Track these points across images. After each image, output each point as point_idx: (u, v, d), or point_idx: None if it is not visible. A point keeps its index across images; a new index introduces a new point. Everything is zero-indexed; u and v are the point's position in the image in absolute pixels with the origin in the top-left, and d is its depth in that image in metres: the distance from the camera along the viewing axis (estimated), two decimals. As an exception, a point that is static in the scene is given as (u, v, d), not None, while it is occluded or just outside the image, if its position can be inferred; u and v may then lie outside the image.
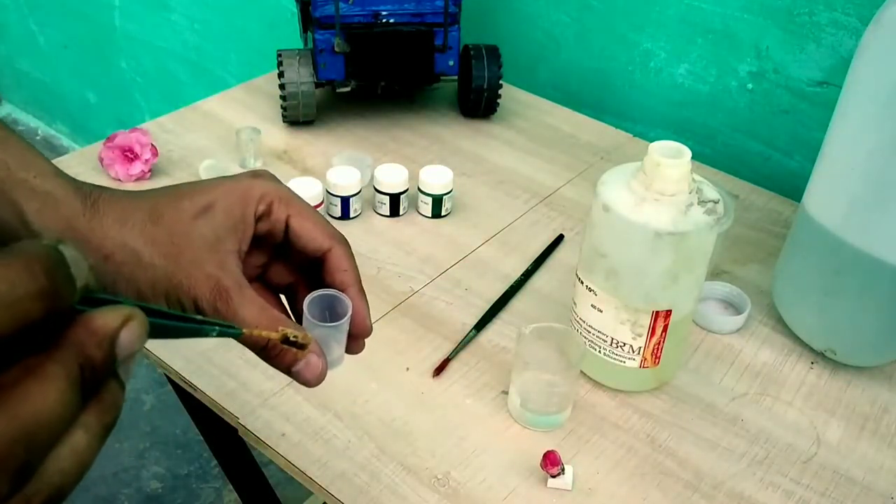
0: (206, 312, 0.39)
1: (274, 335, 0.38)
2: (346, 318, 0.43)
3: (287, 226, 0.44)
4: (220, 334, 0.33)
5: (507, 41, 1.10)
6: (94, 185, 0.42)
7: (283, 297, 0.49)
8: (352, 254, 0.45)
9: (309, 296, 0.43)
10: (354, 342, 0.45)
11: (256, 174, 0.45)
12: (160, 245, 0.40)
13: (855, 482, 0.62)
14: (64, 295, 0.24)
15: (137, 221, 0.41)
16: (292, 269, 0.47)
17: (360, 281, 0.45)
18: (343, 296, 0.44)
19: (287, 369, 0.40)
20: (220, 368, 0.67)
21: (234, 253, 0.41)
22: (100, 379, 0.25)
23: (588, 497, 0.60)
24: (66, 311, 0.24)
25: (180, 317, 0.32)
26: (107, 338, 0.25)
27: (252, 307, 0.40)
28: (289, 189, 0.45)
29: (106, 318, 0.25)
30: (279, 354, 0.40)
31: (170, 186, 0.43)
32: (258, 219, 0.43)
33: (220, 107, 1.06)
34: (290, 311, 0.48)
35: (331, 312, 0.44)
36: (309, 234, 0.44)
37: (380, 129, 1.03)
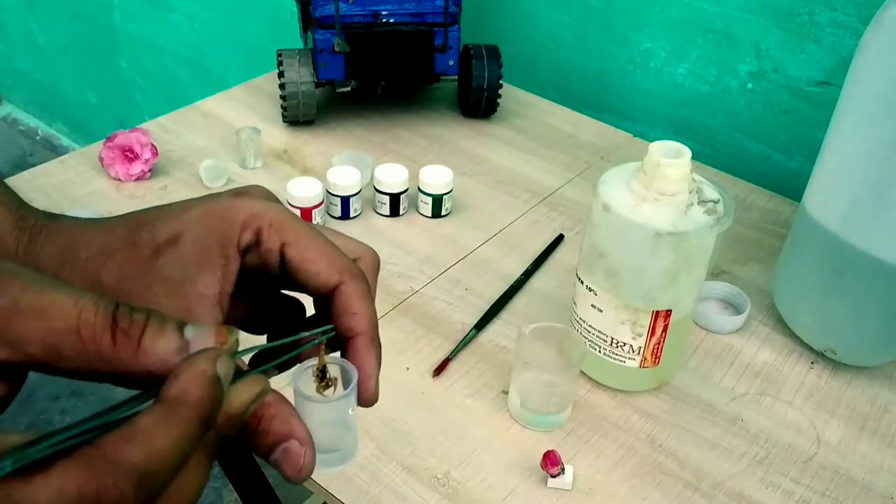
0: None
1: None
2: (347, 391, 0.33)
3: (283, 257, 0.33)
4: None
5: (507, 41, 1.10)
6: (44, 214, 0.35)
7: None
8: (368, 291, 0.34)
9: (299, 365, 0.34)
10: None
11: (241, 192, 0.35)
12: (105, 290, 0.32)
13: (855, 482, 0.62)
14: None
15: (80, 261, 0.32)
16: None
17: (374, 327, 0.34)
18: (345, 363, 0.33)
19: (266, 455, 0.30)
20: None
21: (208, 298, 0.32)
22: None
23: (588, 497, 0.60)
24: None
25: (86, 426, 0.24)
26: (238, 416, 0.27)
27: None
28: (283, 209, 0.34)
29: (242, 398, 0.27)
30: (254, 433, 0.30)
31: (134, 212, 0.34)
32: (245, 250, 0.33)
33: (220, 107, 1.06)
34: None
35: (342, 379, 0.34)
36: (310, 268, 0.33)
37: (380, 129, 1.03)
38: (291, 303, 0.38)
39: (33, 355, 0.26)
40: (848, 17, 0.86)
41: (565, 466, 0.60)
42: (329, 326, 0.33)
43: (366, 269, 0.36)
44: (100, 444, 0.24)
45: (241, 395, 0.27)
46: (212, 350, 0.27)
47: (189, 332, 0.27)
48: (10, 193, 0.35)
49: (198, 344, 0.27)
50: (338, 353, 0.34)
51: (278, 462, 0.30)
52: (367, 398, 0.34)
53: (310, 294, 0.35)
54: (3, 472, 0.22)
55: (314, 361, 0.33)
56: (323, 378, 0.33)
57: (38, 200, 0.86)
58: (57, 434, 0.23)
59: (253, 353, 0.32)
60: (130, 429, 0.24)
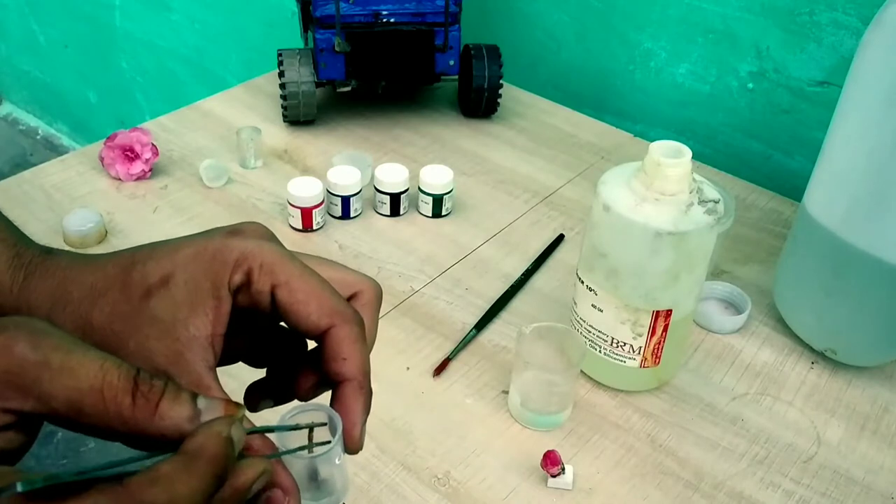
0: None
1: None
2: (333, 442, 0.33)
3: (274, 298, 0.33)
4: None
5: (508, 41, 1.10)
6: (41, 249, 0.35)
7: None
8: (360, 334, 0.34)
9: (283, 416, 0.34)
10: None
11: (235, 230, 0.35)
12: (96, 332, 0.32)
13: (855, 482, 0.62)
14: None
15: (72, 301, 0.32)
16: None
17: (364, 374, 0.34)
18: (331, 412, 0.33)
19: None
20: (220, 368, 0.67)
21: (200, 340, 0.32)
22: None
23: (588, 497, 0.60)
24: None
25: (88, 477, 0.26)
26: (243, 491, 0.29)
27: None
28: (276, 249, 0.34)
29: (247, 475, 0.29)
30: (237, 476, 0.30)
31: (128, 249, 0.34)
32: (237, 290, 0.33)
33: (220, 106, 1.06)
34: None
35: (329, 427, 0.34)
36: (300, 310, 0.33)
37: (380, 129, 1.03)
38: (292, 336, 0.38)
39: (57, 410, 0.27)
40: (848, 16, 0.86)
41: (565, 466, 0.60)
42: (322, 423, 0.33)
43: (367, 303, 0.36)
44: (127, 483, 0.26)
45: (246, 472, 0.29)
46: (227, 417, 0.29)
47: (201, 402, 0.29)
48: (10, 228, 0.36)
49: (208, 414, 0.29)
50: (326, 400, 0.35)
51: None
52: (351, 446, 0.34)
53: (303, 335, 0.34)
54: (37, 486, 0.25)
55: (297, 411, 0.33)
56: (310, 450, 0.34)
57: (39, 200, 0.87)
58: (87, 471, 0.26)
59: (246, 388, 0.34)
60: (154, 473, 0.26)
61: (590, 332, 0.65)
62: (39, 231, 0.80)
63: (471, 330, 0.72)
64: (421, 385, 0.68)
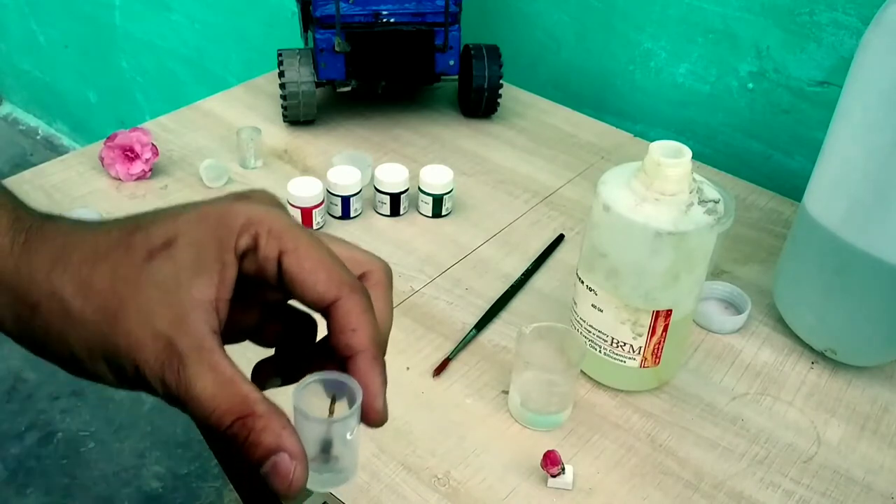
0: (151, 383, 0.30)
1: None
2: (350, 411, 0.31)
3: (281, 266, 0.32)
4: None
5: (508, 41, 1.10)
6: (41, 214, 0.34)
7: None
8: (369, 305, 0.33)
9: (302, 380, 0.32)
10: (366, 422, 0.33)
11: (242, 195, 0.34)
12: (97, 294, 0.30)
13: (855, 482, 0.62)
14: None
15: (73, 263, 0.31)
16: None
17: (376, 344, 0.33)
18: (348, 379, 0.32)
19: (256, 467, 0.30)
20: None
21: (204, 304, 0.30)
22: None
23: (588, 496, 0.60)
24: None
25: None
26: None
27: (209, 379, 0.29)
28: (284, 216, 0.33)
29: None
30: (243, 444, 0.29)
31: (132, 215, 0.33)
32: (243, 255, 0.32)
33: (220, 106, 1.06)
34: None
35: (348, 399, 0.32)
36: (306, 279, 0.32)
37: (380, 129, 1.03)
38: (303, 319, 0.37)
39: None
40: (848, 16, 0.86)
41: (565, 466, 0.60)
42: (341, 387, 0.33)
43: (377, 284, 0.35)
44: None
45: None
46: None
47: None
48: (7, 193, 0.35)
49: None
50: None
51: (268, 475, 0.29)
52: (374, 419, 0.32)
53: (309, 307, 0.33)
54: None
55: (316, 377, 0.32)
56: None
57: (39, 200, 0.87)
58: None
59: (254, 366, 0.33)
60: None
61: (590, 332, 0.65)
62: (39, 231, 0.80)
63: (471, 330, 0.72)
64: (421, 385, 0.68)
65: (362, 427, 0.32)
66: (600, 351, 0.65)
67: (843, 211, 0.65)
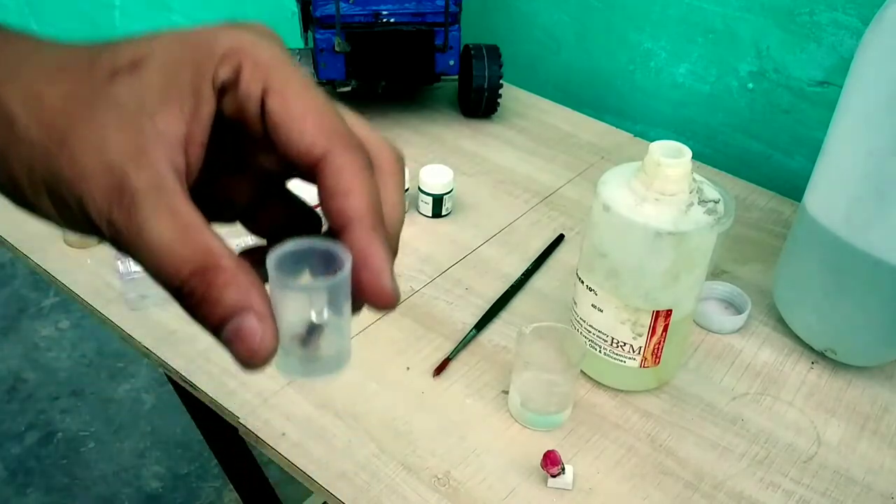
0: (95, 222, 0.24)
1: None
2: (337, 277, 0.25)
3: (264, 108, 0.26)
4: None
5: (508, 41, 1.10)
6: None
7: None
8: (365, 163, 0.27)
9: (281, 244, 0.26)
10: (367, 302, 0.27)
11: (233, 24, 0.29)
12: (46, 110, 0.25)
13: (855, 482, 0.62)
14: None
15: (27, 75, 0.26)
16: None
17: (375, 211, 0.26)
18: (334, 246, 0.26)
19: (215, 332, 0.24)
20: (220, 367, 0.67)
21: (169, 138, 0.25)
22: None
23: (588, 496, 0.60)
24: None
25: None
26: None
27: (167, 224, 0.24)
28: (276, 50, 0.27)
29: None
30: (200, 302, 0.24)
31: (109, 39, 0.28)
32: (223, 91, 0.27)
33: (220, 106, 1.06)
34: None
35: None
36: (291, 126, 0.26)
37: (380, 129, 1.02)
38: (306, 212, 0.33)
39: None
40: (848, 16, 0.86)
41: (565, 466, 0.60)
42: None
43: (386, 171, 0.29)
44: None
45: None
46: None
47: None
48: None
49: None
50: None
51: (229, 341, 0.24)
52: (380, 299, 0.26)
53: (293, 165, 0.27)
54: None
55: (297, 243, 0.26)
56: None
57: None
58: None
59: (238, 252, 0.27)
60: None
61: (590, 332, 0.65)
62: (40, 231, 0.80)
63: (471, 330, 0.72)
64: (421, 385, 0.68)
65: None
66: (600, 351, 0.65)
67: (843, 211, 0.65)
